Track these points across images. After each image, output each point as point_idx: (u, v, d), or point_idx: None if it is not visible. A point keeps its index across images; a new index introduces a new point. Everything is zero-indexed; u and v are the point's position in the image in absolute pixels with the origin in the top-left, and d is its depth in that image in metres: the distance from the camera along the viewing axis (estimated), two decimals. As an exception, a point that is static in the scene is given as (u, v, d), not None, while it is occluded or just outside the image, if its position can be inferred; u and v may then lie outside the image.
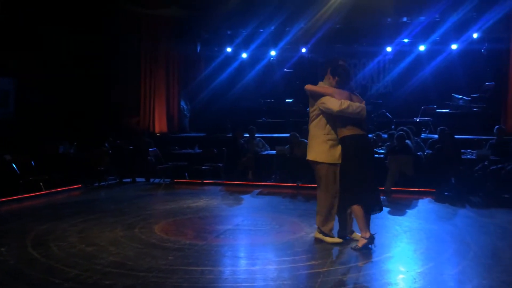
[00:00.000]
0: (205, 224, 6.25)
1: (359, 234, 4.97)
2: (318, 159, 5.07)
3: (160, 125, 12.83)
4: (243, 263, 4.68)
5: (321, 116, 5.05)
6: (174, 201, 7.91)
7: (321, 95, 5.03)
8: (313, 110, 5.13)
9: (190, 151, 11.04)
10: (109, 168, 10.04)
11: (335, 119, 4.99)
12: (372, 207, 4.95)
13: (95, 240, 5.32)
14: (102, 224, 6.16)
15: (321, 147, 5.05)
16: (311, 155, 5.14)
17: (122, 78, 12.80)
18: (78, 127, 11.11)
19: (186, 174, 10.49)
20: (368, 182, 4.90)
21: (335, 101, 4.88)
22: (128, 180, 10.39)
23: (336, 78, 5.07)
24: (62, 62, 11.17)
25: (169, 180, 10.20)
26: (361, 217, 4.88)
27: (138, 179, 10.45)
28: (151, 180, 10.38)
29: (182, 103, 13.55)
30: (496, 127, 9.29)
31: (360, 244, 4.89)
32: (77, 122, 11.31)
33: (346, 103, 4.84)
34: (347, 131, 4.93)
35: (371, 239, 4.86)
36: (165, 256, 4.72)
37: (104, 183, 9.82)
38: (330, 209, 5.10)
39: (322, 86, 5.17)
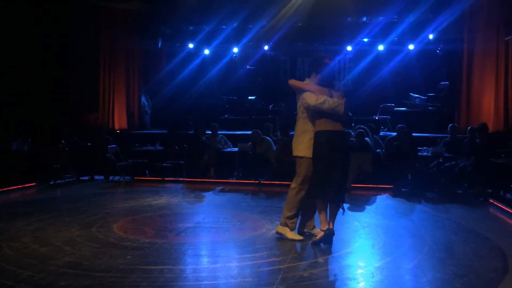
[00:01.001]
0: (166, 222, 6.16)
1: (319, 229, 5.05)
2: (307, 155, 5.04)
3: (120, 122, 12.55)
4: (204, 261, 4.65)
5: (306, 112, 5.07)
6: (134, 199, 7.75)
7: (303, 90, 5.08)
8: (299, 106, 5.18)
9: (151, 148, 10.85)
10: (66, 166, 9.72)
11: (315, 114, 5.01)
12: (336, 203, 4.98)
13: (50, 240, 5.13)
14: (57, 223, 5.96)
15: (310, 143, 5.04)
16: (301, 151, 5.09)
17: (80, 73, 12.43)
18: (33, 123, 10.70)
19: (146, 171, 10.31)
20: (334, 178, 4.91)
21: (312, 96, 4.95)
22: (86, 178, 10.10)
23: (318, 75, 5.12)
24: (15, 56, 10.71)
25: (129, 177, 9.99)
26: (323, 211, 4.95)
27: (96, 177, 10.18)
28: (110, 178, 10.14)
29: (143, 99, 13.30)
30: (450, 125, 9.65)
31: (318, 237, 4.99)
32: (32, 118, 10.88)
33: (322, 98, 4.90)
34: (321, 126, 4.96)
35: (329, 233, 4.92)
36: (123, 255, 4.61)
37: (60, 181, 9.51)
38: (301, 205, 5.14)
39: (304, 82, 5.23)
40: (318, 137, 4.98)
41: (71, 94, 12.25)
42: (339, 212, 5.01)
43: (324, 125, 4.95)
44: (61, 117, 11.39)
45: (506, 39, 10.29)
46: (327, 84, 5.08)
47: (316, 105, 4.92)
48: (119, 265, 4.30)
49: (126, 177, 9.96)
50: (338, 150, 4.94)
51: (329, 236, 4.94)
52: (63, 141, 10.08)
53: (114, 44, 12.49)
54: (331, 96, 4.98)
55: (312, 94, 4.98)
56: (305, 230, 5.34)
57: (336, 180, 4.92)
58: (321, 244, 4.95)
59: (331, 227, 4.96)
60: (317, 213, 5.15)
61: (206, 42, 13.64)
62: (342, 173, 4.98)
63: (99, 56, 12.45)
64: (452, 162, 8.68)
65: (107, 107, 12.50)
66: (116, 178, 10.06)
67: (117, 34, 12.46)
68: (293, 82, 5.31)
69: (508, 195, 7.86)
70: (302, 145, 5.08)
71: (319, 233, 5.02)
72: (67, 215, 6.42)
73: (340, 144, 4.96)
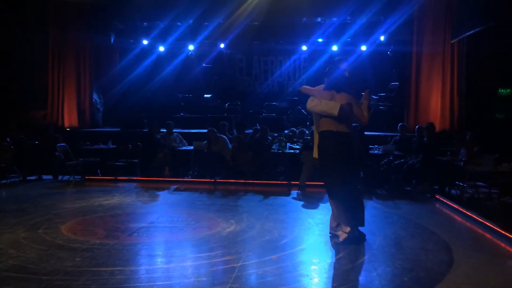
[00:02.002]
0: (117, 223, 6.00)
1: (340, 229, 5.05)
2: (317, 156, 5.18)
3: (70, 119, 12.10)
4: (157, 261, 4.56)
5: (312, 115, 5.25)
6: (85, 199, 7.50)
7: (310, 95, 5.17)
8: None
9: (103, 146, 10.53)
10: (11, 165, 9.27)
11: (317, 116, 5.13)
12: (350, 203, 4.94)
13: (-7, 243, 4.88)
14: (1, 225, 5.68)
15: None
16: (315, 153, 5.24)
17: (27, 68, 11.89)
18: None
19: (98, 170, 10.01)
20: (341, 177, 4.88)
21: (309, 100, 5.11)
22: (33, 177, 9.69)
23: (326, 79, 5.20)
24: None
25: (79, 177, 9.66)
26: (337, 210, 4.98)
27: (44, 177, 9.79)
28: (60, 177, 9.78)
29: (95, 96, 12.89)
30: (400, 124, 9.98)
31: (341, 238, 4.99)
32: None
33: (315, 101, 5.01)
34: (323, 127, 5.04)
35: (352, 236, 4.89)
36: (71, 257, 4.45)
37: (5, 181, 9.06)
38: None
39: (314, 88, 5.25)
40: (321, 137, 5.08)
41: (18, 89, 11.69)
42: (292, 208, 5.05)
43: (327, 125, 5.01)
44: (7, 113, 10.86)
45: (452, 42, 10.77)
46: (333, 87, 5.07)
47: (310, 108, 5.11)
48: (67, 268, 4.15)
49: (76, 177, 9.63)
50: (340, 151, 4.93)
51: (352, 239, 4.91)
52: (8, 139, 9.62)
53: (64, 39, 12.02)
54: (332, 98, 4.99)
55: (311, 98, 5.09)
56: (330, 231, 5.35)
57: (343, 179, 4.87)
58: (344, 245, 4.90)
59: (354, 227, 4.93)
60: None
61: (161, 38, 13.42)
62: (350, 173, 4.96)
63: (48, 50, 11.95)
64: (402, 160, 8.99)
65: (56, 104, 12.03)
66: (66, 177, 9.70)
67: (67, 28, 12.00)
68: (304, 89, 5.35)
69: (453, 191, 8.24)
70: (315, 147, 5.24)
71: (341, 234, 5.00)
72: (12, 217, 6.14)
73: (342, 145, 4.94)
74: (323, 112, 5.01)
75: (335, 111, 4.89)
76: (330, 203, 5.12)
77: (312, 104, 5.06)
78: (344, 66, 5.16)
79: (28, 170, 9.64)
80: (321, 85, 5.23)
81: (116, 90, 13.48)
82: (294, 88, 14.71)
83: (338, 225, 5.17)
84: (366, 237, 5.26)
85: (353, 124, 9.86)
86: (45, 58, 11.95)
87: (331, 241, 5.15)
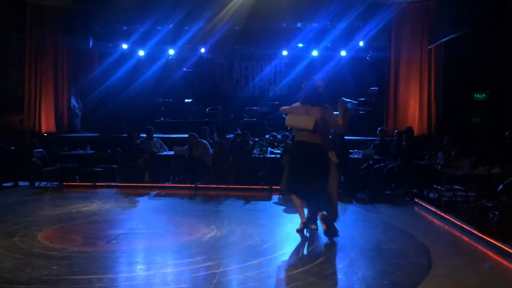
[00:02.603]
0: (96, 230, 5.90)
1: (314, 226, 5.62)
2: None
3: (47, 124, 11.87)
4: (137, 269, 4.48)
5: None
6: (62, 206, 7.36)
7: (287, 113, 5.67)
8: None
9: (81, 152, 10.34)
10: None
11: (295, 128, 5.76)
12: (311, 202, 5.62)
13: (-34, 252, 4.73)
14: (-26, 234, 5.52)
15: None
16: None
17: (2, 72, 11.62)
18: None
19: (76, 176, 9.84)
20: (303, 181, 5.44)
21: (287, 117, 5.62)
22: (9, 184, 9.46)
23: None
24: None
25: (57, 183, 9.46)
26: (297, 205, 5.70)
27: (21, 183, 9.57)
28: (36, 183, 9.57)
29: (73, 101, 12.68)
30: (379, 128, 10.10)
31: (299, 228, 5.65)
32: None
33: (292, 118, 5.53)
34: (298, 137, 5.53)
35: (301, 229, 5.60)
36: (48, 265, 4.35)
37: (-21, 188, 8.84)
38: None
39: (288, 107, 5.70)
40: (295, 145, 5.70)
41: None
42: (272, 213, 5.07)
43: (303, 136, 5.45)
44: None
45: (429, 47, 10.98)
46: (308, 102, 5.49)
47: (289, 125, 5.98)
48: (43, 276, 4.05)
49: (53, 183, 9.42)
50: (306, 159, 5.39)
51: (301, 232, 5.60)
52: (-18, 145, 9.39)
53: (42, 42, 11.81)
54: (307, 113, 5.40)
55: (289, 115, 5.59)
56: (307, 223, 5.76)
57: (307, 184, 5.39)
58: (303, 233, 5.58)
59: (305, 221, 5.61)
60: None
61: (141, 43, 13.31)
62: (316, 179, 5.37)
63: (24, 54, 11.72)
64: (381, 164, 9.09)
65: (33, 109, 11.78)
66: (43, 184, 9.50)
67: (44, 31, 11.79)
68: (281, 110, 5.78)
69: (431, 195, 8.36)
70: None
71: (300, 225, 5.65)
72: (-14, 225, 5.97)
73: (312, 155, 5.38)
74: (300, 128, 5.48)
75: (310, 126, 5.33)
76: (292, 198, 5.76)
77: (291, 121, 5.58)
78: (318, 81, 5.63)
79: (4, 176, 9.39)
80: (298, 102, 5.65)
81: (95, 95, 13.28)
82: (275, 92, 14.76)
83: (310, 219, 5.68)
84: (347, 241, 5.31)
85: (333, 129, 9.99)
86: (22, 62, 11.72)
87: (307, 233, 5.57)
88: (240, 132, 10.06)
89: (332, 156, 5.48)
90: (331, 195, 5.50)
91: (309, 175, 5.37)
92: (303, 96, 5.60)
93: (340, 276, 4.29)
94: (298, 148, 5.54)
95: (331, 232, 5.49)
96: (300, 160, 5.48)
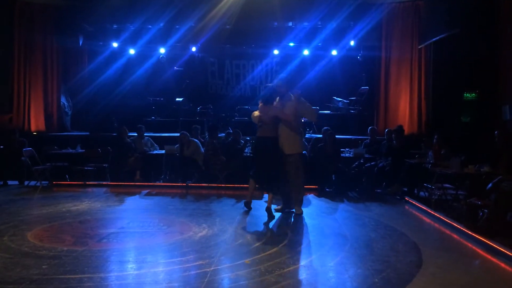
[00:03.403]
0: (86, 229, 5.86)
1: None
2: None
3: (36, 123, 11.78)
4: (128, 268, 4.45)
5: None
6: (52, 205, 7.30)
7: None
8: None
9: (71, 151, 10.28)
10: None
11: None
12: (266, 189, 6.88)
13: (-47, 252, 4.68)
14: (-37, 233, 5.45)
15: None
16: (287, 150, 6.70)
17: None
18: None
19: (66, 175, 9.77)
20: (259, 169, 6.70)
21: (252, 115, 7.12)
22: (-2, 183, 9.37)
23: None
24: None
25: (47, 182, 9.39)
26: (251, 187, 6.91)
27: (10, 182, 9.49)
28: (26, 183, 9.49)
29: (63, 100, 12.58)
30: (370, 127, 10.15)
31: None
32: None
33: (253, 117, 6.96)
34: (258, 133, 6.79)
35: (246, 202, 6.97)
36: (38, 265, 4.31)
37: (-33, 187, 8.74)
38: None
39: (255, 111, 7.01)
40: (255, 140, 6.98)
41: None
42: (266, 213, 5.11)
43: (258, 132, 6.74)
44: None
45: (419, 47, 11.06)
46: (265, 102, 6.73)
47: (253, 120, 7.00)
48: (33, 276, 4.01)
49: (43, 182, 9.36)
50: (260, 151, 6.70)
51: (246, 205, 6.93)
52: (-30, 144, 9.28)
53: (31, 40, 11.72)
54: (269, 111, 6.64)
55: (253, 114, 7.06)
56: (286, 209, 6.88)
57: (262, 171, 6.61)
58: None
59: (249, 200, 6.93)
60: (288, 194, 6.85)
61: (131, 41, 13.21)
62: (268, 167, 6.53)
63: (13, 52, 11.61)
64: (372, 163, 9.13)
65: (22, 107, 11.68)
66: (32, 183, 9.42)
67: (34, 29, 11.70)
68: (252, 116, 7.07)
69: (421, 193, 8.42)
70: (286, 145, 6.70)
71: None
72: (-26, 224, 5.90)
73: (263, 147, 6.62)
74: (257, 123, 6.78)
75: (256, 121, 6.80)
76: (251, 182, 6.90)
77: (253, 118, 7.00)
78: (274, 83, 7.00)
79: (-7, 175, 9.33)
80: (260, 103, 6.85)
81: (85, 93, 13.19)
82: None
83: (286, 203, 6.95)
84: (338, 240, 5.35)
85: (325, 128, 10.04)
86: (11, 60, 11.60)
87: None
88: (231, 131, 10.05)
89: (294, 148, 6.60)
90: (282, 181, 6.64)
91: (261, 164, 6.60)
92: (264, 98, 6.84)
93: (331, 274, 4.31)
94: (256, 142, 6.93)
95: (271, 213, 6.49)
96: (255, 151, 6.96)
